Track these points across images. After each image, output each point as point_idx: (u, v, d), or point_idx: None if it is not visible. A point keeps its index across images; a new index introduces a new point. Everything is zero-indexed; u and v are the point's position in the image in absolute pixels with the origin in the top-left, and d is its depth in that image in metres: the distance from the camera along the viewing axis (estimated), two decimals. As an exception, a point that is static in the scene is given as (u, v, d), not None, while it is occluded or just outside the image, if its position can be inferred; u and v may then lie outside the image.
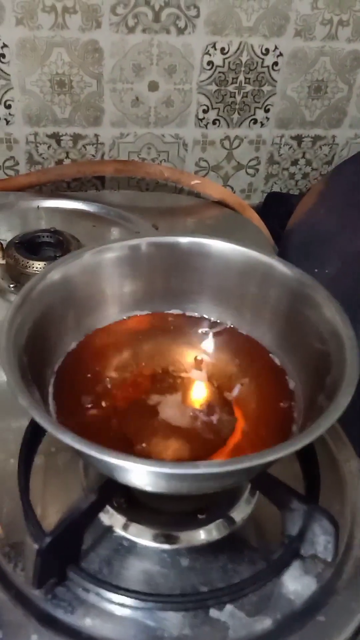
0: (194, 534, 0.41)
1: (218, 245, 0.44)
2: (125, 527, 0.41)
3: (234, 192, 0.92)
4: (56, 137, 0.82)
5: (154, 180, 0.87)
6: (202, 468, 0.28)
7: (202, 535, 0.41)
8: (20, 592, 0.36)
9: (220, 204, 0.82)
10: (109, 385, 0.42)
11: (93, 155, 0.84)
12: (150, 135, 0.84)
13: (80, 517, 0.36)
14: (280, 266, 0.42)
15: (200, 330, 0.45)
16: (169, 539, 0.40)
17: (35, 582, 0.35)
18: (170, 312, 0.45)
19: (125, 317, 0.45)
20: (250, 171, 0.93)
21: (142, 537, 0.40)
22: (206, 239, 0.44)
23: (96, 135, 0.83)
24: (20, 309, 0.37)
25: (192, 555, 0.40)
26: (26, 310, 0.37)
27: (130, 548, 0.40)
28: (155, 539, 0.40)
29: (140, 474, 0.32)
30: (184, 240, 0.44)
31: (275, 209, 0.86)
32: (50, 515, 0.41)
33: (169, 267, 0.44)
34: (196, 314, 0.45)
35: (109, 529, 0.41)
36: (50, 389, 0.39)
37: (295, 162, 0.93)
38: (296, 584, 0.39)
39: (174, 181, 0.79)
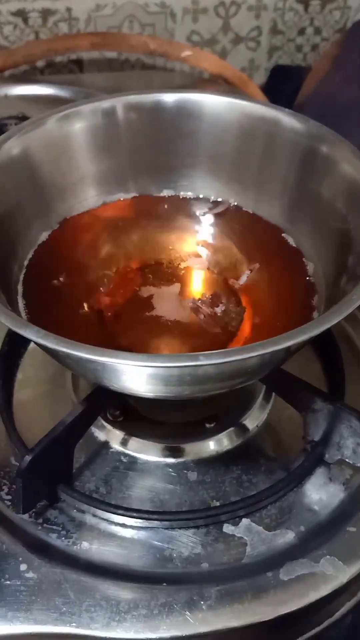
0: (202, 445, 0.36)
1: (211, 102, 0.35)
2: (123, 442, 0.36)
3: (233, 70, 0.81)
4: (22, 14, 0.70)
5: (140, 61, 0.76)
6: (203, 359, 0.22)
7: (211, 445, 0.36)
8: (6, 518, 0.32)
9: (218, 80, 0.71)
10: (90, 281, 0.35)
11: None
12: (132, 4, 0.72)
13: (66, 431, 0.31)
14: (290, 119, 0.34)
15: (197, 212, 0.37)
16: (174, 452, 0.35)
17: (20, 506, 0.30)
18: (162, 194, 0.38)
19: (106, 202, 0.37)
20: (251, 44, 0.81)
21: (143, 451, 0.35)
22: (196, 93, 0.35)
23: (68, 10, 0.71)
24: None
25: (201, 468, 0.35)
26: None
27: (130, 464, 0.35)
28: (159, 452, 0.35)
29: (132, 375, 0.26)
30: (169, 98, 0.35)
31: (282, 85, 0.75)
32: (37, 434, 0.36)
33: (154, 135, 0.36)
34: (191, 194, 0.38)
35: (105, 445, 0.36)
36: (20, 287, 0.33)
37: (302, 31, 0.81)
38: (321, 492, 0.34)
39: (162, 54, 0.68)
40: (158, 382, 0.26)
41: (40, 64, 0.74)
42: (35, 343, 0.23)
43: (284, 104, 0.70)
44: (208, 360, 0.22)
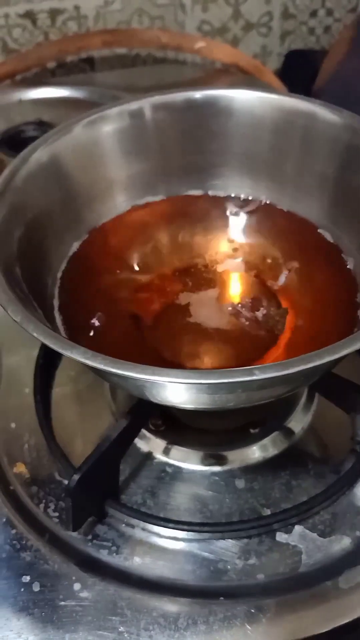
0: (247, 452, 0.35)
1: (242, 97, 0.34)
2: (166, 452, 0.35)
3: (246, 58, 0.79)
4: (30, 15, 0.69)
5: (152, 55, 0.75)
6: (259, 374, 0.21)
7: (257, 451, 0.35)
8: (55, 536, 0.31)
9: (231, 69, 0.69)
10: (125, 289, 0.34)
11: (76, 33, 0.71)
12: (140, -2, 0.71)
13: (111, 447, 0.30)
14: (327, 113, 0.33)
15: (229, 212, 0.36)
16: (220, 460, 0.35)
17: (70, 524, 0.30)
18: (190, 193, 0.37)
19: (135, 206, 0.36)
20: (263, 30, 0.79)
21: (188, 460, 0.35)
22: (225, 90, 0.34)
23: (76, 8, 0.70)
24: (1, 203, 0.29)
25: (249, 476, 0.34)
26: (9, 204, 0.29)
27: (176, 474, 0.34)
28: (204, 461, 0.35)
29: (178, 390, 0.25)
30: (197, 95, 0.34)
31: (298, 70, 0.73)
32: (80, 448, 0.35)
33: (183, 135, 0.34)
34: (222, 193, 0.36)
35: (149, 456, 0.35)
36: (55, 302, 0.32)
37: (314, 13, 0.79)
38: (374, 494, 0.33)
39: (174, 48, 0.67)
40: (206, 397, 0.26)
41: (50, 65, 0.73)
42: (83, 364, 0.23)
43: (300, 90, 0.68)
44: (264, 375, 0.21)
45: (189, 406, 0.28)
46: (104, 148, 0.34)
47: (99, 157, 0.34)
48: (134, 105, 0.33)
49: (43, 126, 0.54)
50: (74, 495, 0.28)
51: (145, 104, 0.33)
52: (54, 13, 0.69)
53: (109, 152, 0.34)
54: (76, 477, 0.28)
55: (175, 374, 0.22)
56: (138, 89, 0.65)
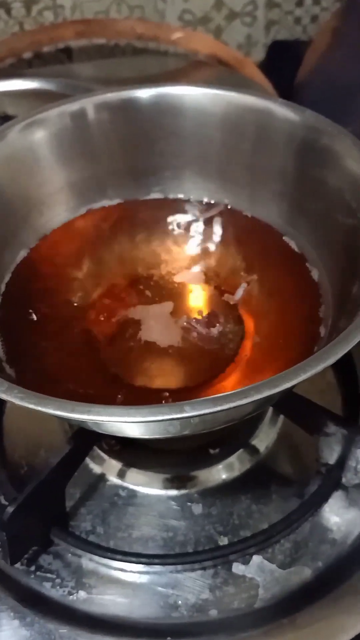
0: (207, 473, 0.33)
1: (192, 94, 0.31)
2: (121, 474, 0.33)
3: (229, 49, 0.76)
4: (4, 5, 0.66)
5: (131, 45, 0.72)
6: (190, 410, 0.19)
7: (217, 473, 0.33)
8: (-5, 568, 0.29)
9: (212, 61, 0.67)
10: (76, 302, 0.32)
11: (52, 23, 0.68)
12: (119, -14, 0.68)
13: (54, 473, 0.28)
14: (282, 110, 0.30)
15: (188, 217, 0.34)
16: (177, 483, 0.33)
17: (7, 557, 0.27)
18: (144, 197, 0.34)
19: (88, 210, 0.34)
20: (247, 19, 0.76)
21: (143, 484, 0.33)
22: (174, 86, 0.31)
23: (52, -4, 0.67)
24: None
25: (207, 500, 0.32)
26: None
27: (130, 498, 0.32)
28: (160, 484, 0.33)
29: (117, 426, 0.23)
30: (144, 94, 0.31)
31: (282, 62, 0.70)
32: (29, 468, 0.33)
33: (129, 136, 0.32)
34: (178, 196, 0.34)
35: (102, 477, 0.33)
36: (-5, 316, 0.30)
37: (300, 3, 0.76)
38: (340, 521, 0.31)
39: (151, 39, 0.64)
40: (149, 430, 0.23)
41: (27, 55, 0.70)
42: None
43: (284, 82, 0.65)
44: (194, 412, 0.19)
45: (137, 437, 0.26)
46: (44, 152, 0.31)
47: (38, 162, 0.31)
48: (75, 106, 0.31)
49: (7, 120, 0.51)
50: (8, 529, 0.26)
51: (87, 104, 0.31)
52: (29, 3, 0.66)
53: (50, 157, 0.31)
54: (10, 509, 0.26)
55: (98, 410, 0.19)
56: (116, 80, 0.62)
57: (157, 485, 0.33)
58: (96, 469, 0.33)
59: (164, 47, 0.75)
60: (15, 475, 0.33)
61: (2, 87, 0.59)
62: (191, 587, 0.29)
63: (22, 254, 0.32)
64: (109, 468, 0.33)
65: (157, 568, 0.29)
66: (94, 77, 0.63)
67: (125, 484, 0.33)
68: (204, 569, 0.30)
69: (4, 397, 0.20)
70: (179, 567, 0.29)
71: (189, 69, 0.67)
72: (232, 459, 0.33)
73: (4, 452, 0.34)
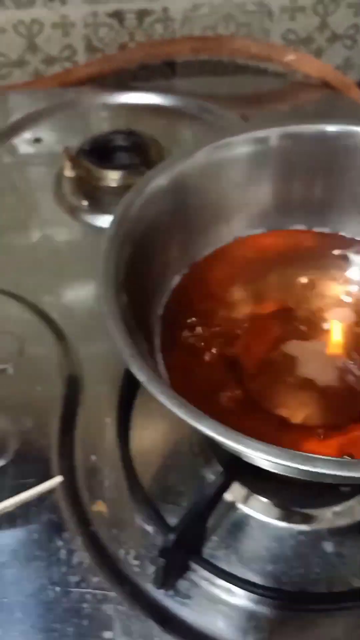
0: (337, 511, 0.33)
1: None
2: (251, 504, 0.33)
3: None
4: (119, 15, 0.67)
5: (232, 63, 0.72)
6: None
7: (347, 512, 0.33)
8: (137, 588, 0.30)
9: (314, 83, 0.67)
10: (226, 330, 0.32)
11: (161, 35, 0.69)
12: (229, 4, 0.68)
13: (206, 503, 0.29)
14: None
15: (345, 253, 0.34)
16: (305, 518, 0.33)
17: (159, 582, 0.28)
18: (302, 228, 0.34)
19: (243, 237, 0.34)
20: (347, 42, 0.76)
21: (271, 515, 0.33)
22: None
23: (164, 10, 0.68)
24: (121, 227, 0.27)
25: (336, 539, 0.32)
26: (127, 229, 0.28)
27: (261, 528, 0.32)
28: (288, 517, 0.33)
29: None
30: (331, 128, 0.32)
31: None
32: (160, 490, 0.34)
33: (311, 167, 0.32)
34: (341, 233, 0.34)
35: (232, 506, 0.33)
36: (157, 340, 0.30)
37: None
38: None
39: (263, 59, 0.64)
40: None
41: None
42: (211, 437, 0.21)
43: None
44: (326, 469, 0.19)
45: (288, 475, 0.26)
46: (226, 173, 0.32)
47: (219, 182, 0.32)
48: (261, 133, 0.31)
49: (133, 136, 0.52)
50: (168, 556, 0.27)
51: (273, 133, 0.31)
52: (142, 14, 0.67)
53: (230, 177, 0.32)
54: (172, 537, 0.27)
55: (263, 449, 0.20)
56: (221, 98, 0.63)
57: (285, 518, 0.33)
58: (228, 497, 0.33)
59: (264, 65, 0.75)
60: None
61: (119, 99, 0.60)
62: (327, 632, 0.29)
63: (177, 279, 0.33)
64: (239, 497, 0.33)
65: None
66: (197, 93, 0.63)
67: (254, 514, 0.33)
68: (339, 609, 0.30)
69: (219, 438, 0.20)
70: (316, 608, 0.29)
71: (292, 91, 0.67)
72: (361, 499, 0.33)
73: (135, 472, 0.34)
